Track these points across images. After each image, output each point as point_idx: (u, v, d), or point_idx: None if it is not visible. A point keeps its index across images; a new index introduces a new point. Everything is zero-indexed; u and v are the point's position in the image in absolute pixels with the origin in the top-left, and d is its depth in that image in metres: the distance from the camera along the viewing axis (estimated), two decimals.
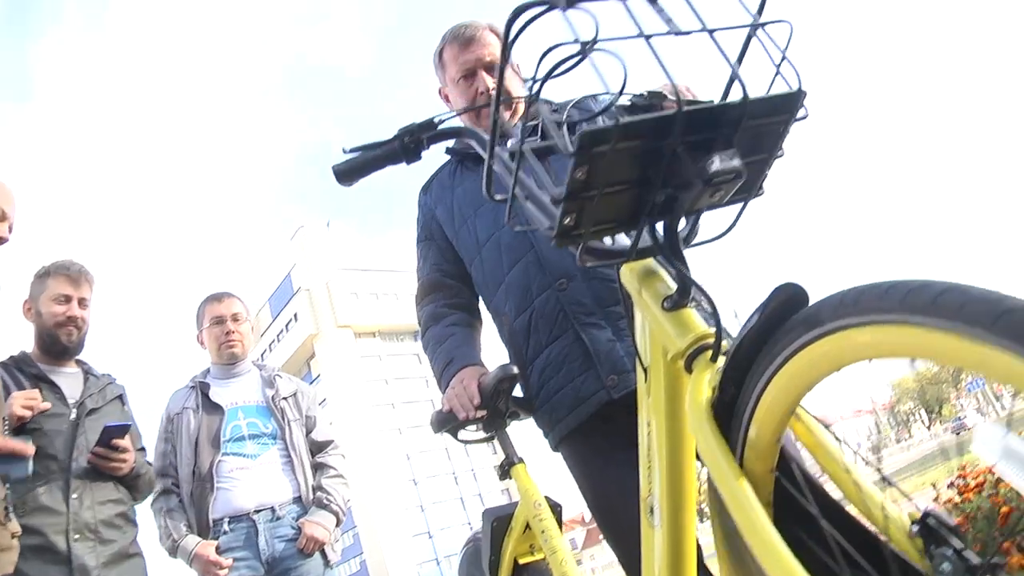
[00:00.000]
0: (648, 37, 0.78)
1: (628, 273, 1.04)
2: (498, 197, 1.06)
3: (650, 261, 1.04)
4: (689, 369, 0.92)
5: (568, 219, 0.87)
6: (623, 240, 1.04)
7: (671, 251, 0.94)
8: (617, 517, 1.51)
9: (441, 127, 1.37)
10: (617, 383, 1.57)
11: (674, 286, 0.99)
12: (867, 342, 0.67)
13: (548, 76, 0.86)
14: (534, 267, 1.71)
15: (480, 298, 1.93)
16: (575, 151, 0.78)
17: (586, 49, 0.77)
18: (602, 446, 1.63)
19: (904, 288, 0.64)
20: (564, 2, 0.79)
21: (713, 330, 0.92)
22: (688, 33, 0.81)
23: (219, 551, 2.57)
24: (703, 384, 0.88)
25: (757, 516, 0.76)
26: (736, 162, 0.82)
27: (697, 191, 0.83)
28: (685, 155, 0.81)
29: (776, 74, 0.85)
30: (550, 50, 0.84)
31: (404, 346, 64.44)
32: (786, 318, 0.76)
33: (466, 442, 1.78)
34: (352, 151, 1.35)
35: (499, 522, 1.70)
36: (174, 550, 2.62)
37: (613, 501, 1.54)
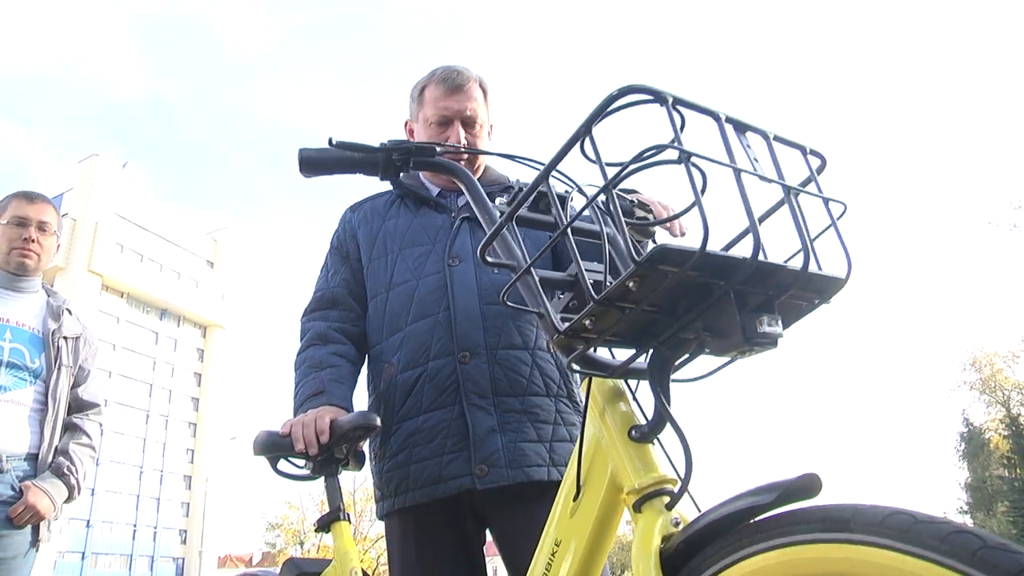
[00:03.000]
0: (738, 171, 0.78)
1: (599, 387, 1.01)
2: (490, 259, 1.01)
3: (620, 381, 1.02)
4: (638, 508, 0.90)
5: (589, 320, 0.84)
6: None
7: (660, 381, 0.92)
8: None
9: (436, 159, 1.30)
10: (486, 475, 1.51)
11: (638, 413, 0.98)
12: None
13: (629, 169, 0.83)
14: (442, 329, 1.63)
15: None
16: (643, 260, 0.76)
17: (683, 157, 0.76)
18: (438, 535, 1.55)
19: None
20: (672, 100, 0.78)
21: (672, 475, 0.91)
22: (770, 181, 0.83)
23: None
24: (654, 529, 0.86)
25: None
26: (779, 330, 0.82)
27: (729, 342, 0.82)
28: (734, 304, 0.81)
29: (805, 250, 0.83)
30: (654, 150, 0.82)
31: (147, 319, 59.69)
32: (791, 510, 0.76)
33: (284, 475, 1.61)
34: (334, 145, 1.24)
35: None
36: None
37: None
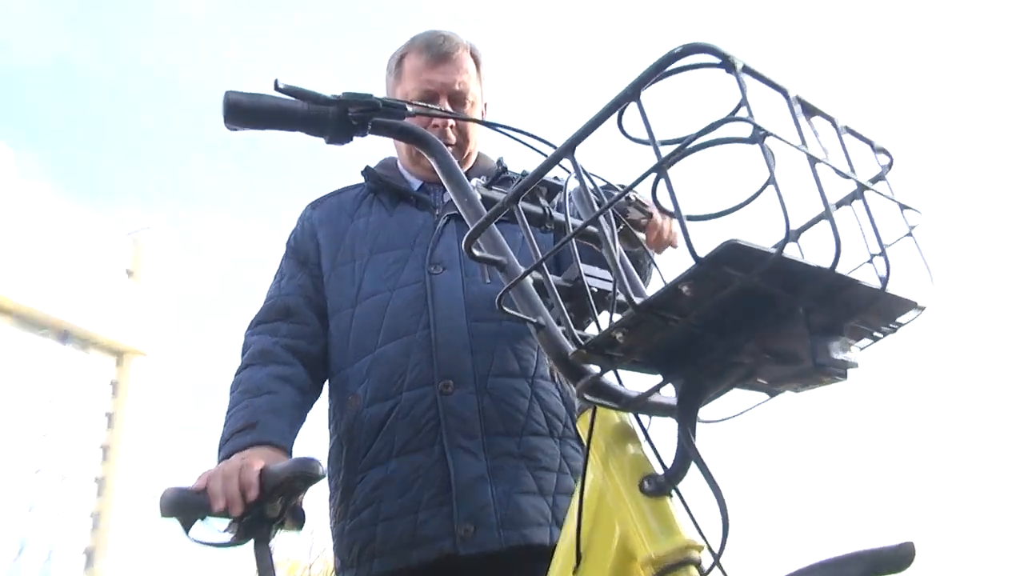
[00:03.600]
0: (814, 160, 0.78)
1: (603, 423, 1.00)
2: (477, 253, 1.00)
3: (629, 417, 1.02)
4: None
5: (621, 333, 0.83)
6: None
7: (689, 417, 0.91)
8: None
9: (406, 123, 1.30)
10: (471, 536, 1.51)
11: (652, 459, 0.97)
12: None
13: (689, 148, 0.82)
14: (420, 351, 1.65)
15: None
16: (707, 258, 0.75)
17: (758, 136, 0.75)
18: None
19: None
20: (741, 66, 0.78)
21: (700, 541, 0.91)
22: (845, 176, 0.83)
23: None
24: None
25: None
26: (854, 358, 0.83)
27: (793, 370, 0.83)
28: (805, 322, 0.81)
29: (886, 262, 0.86)
30: (723, 121, 0.81)
31: (42, 344, 59.64)
32: None
33: (200, 542, 1.59)
34: (281, 91, 1.24)
35: None
36: None
37: None
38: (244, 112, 1.23)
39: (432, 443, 1.59)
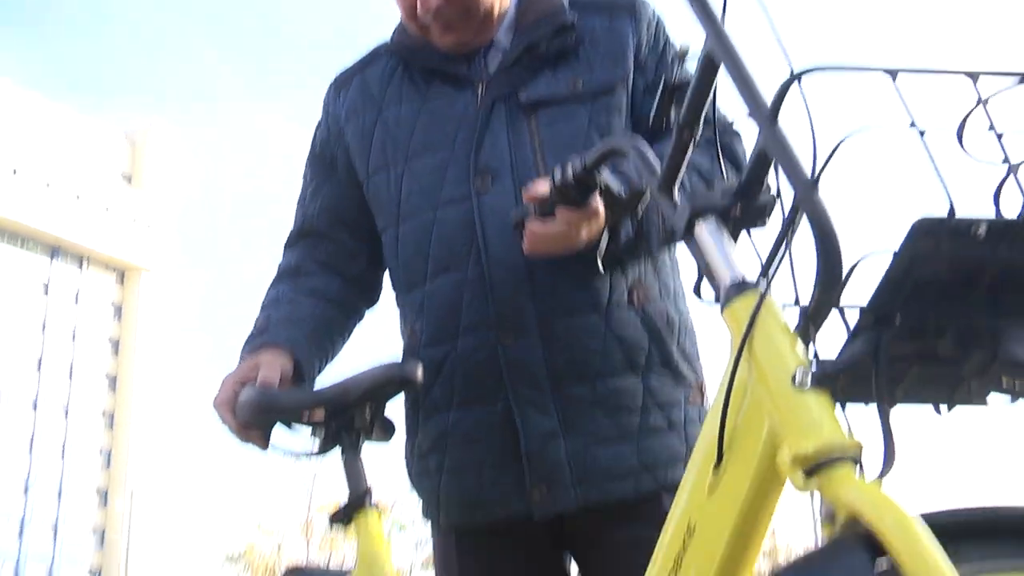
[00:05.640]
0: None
1: (746, 313, 1.05)
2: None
3: (780, 307, 1.07)
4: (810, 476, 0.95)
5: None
6: None
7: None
8: None
9: None
10: (545, 498, 1.57)
11: (803, 356, 1.03)
12: None
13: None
14: (473, 291, 1.63)
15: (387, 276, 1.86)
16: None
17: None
18: (494, 563, 1.66)
19: None
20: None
21: (856, 439, 0.97)
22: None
23: None
24: (840, 500, 0.92)
25: None
26: None
27: None
28: None
29: None
30: None
31: (31, 261, 60.15)
32: None
33: (282, 451, 1.70)
34: None
35: None
36: None
37: None
38: None
39: (495, 397, 1.61)
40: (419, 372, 1.59)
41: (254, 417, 1.65)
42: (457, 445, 1.64)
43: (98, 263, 64.48)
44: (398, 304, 1.81)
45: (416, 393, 1.68)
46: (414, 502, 1.83)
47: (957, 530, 0.87)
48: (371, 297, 1.92)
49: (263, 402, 1.65)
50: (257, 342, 1.72)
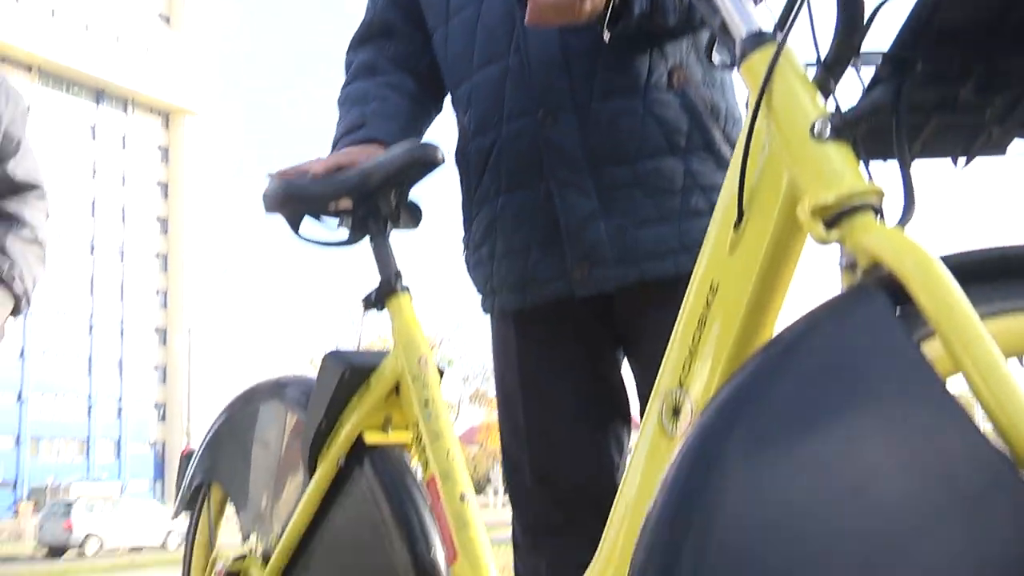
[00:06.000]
0: None
1: (764, 64, 1.03)
2: None
3: (799, 59, 1.05)
4: (831, 226, 0.95)
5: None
6: None
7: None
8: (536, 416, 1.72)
9: None
10: (586, 277, 1.62)
11: (822, 106, 1.01)
12: None
13: None
14: (515, 78, 1.69)
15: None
16: None
17: None
18: (549, 341, 1.74)
19: None
20: None
21: (876, 186, 0.96)
22: None
23: None
24: (860, 245, 0.93)
25: None
26: None
27: None
28: None
29: None
30: None
31: (76, 105, 60.44)
32: None
33: (310, 241, 1.76)
34: None
35: (353, 375, 1.66)
36: None
37: (543, 401, 1.74)
38: None
39: (537, 180, 1.67)
40: (439, 154, 1.63)
41: (280, 207, 1.70)
42: (506, 230, 1.72)
43: (143, 106, 64.82)
44: (452, 104, 1.88)
45: (436, 167, 1.69)
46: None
47: (971, 271, 0.87)
48: (438, 97, 1.96)
49: (288, 192, 1.69)
50: (358, 135, 1.77)
